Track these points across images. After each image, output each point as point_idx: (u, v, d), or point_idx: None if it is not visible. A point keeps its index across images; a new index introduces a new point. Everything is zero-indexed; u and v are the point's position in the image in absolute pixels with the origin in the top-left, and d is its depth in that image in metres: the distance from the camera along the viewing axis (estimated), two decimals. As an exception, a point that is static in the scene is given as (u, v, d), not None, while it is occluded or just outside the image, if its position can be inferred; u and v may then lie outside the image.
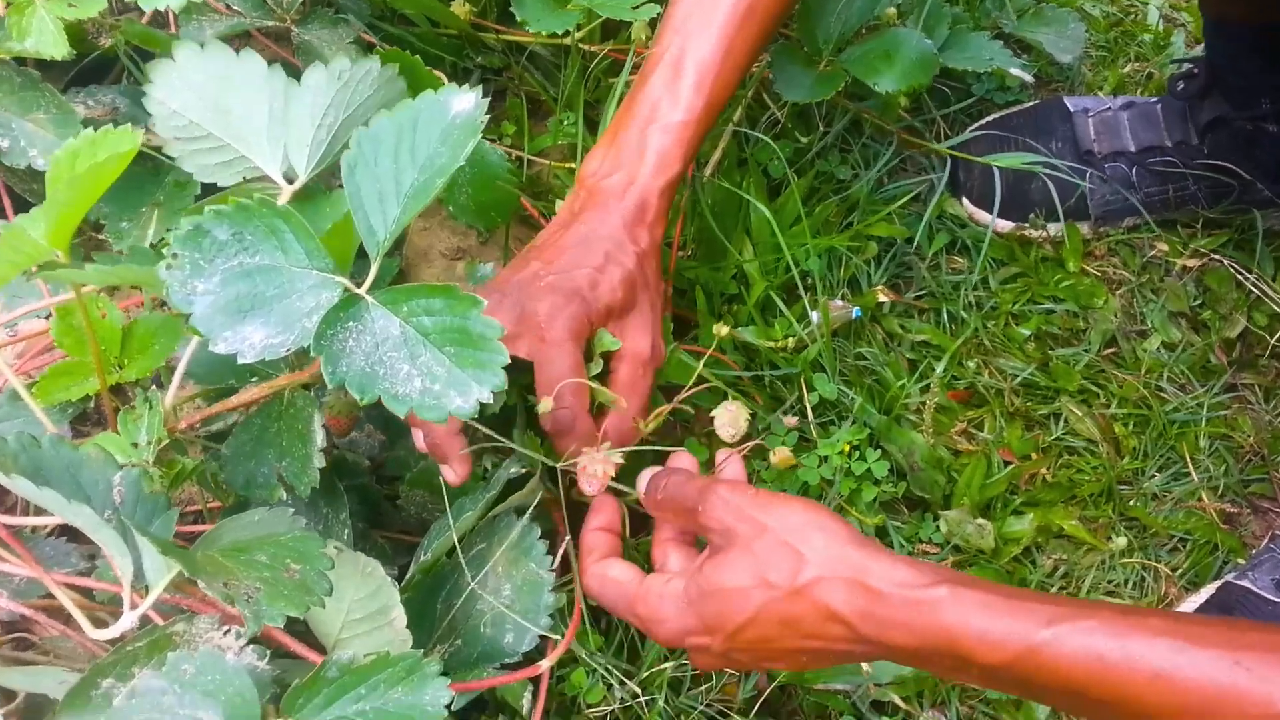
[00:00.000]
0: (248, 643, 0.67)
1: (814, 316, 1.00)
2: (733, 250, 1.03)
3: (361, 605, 0.69)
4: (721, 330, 0.83)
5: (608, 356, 0.81)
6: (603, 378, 0.80)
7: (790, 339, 0.99)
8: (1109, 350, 1.14)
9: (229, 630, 0.67)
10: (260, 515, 0.68)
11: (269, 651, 0.67)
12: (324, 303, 0.61)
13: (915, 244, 1.14)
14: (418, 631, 0.74)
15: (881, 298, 1.05)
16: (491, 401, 0.59)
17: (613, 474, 0.76)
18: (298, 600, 0.58)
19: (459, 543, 0.75)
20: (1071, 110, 1.19)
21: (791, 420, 0.89)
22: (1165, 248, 1.20)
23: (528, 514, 0.77)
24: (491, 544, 0.77)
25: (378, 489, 0.88)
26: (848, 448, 0.97)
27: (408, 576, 0.75)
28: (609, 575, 0.72)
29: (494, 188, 0.94)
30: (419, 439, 0.78)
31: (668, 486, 0.73)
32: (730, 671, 0.88)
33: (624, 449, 0.77)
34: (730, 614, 0.66)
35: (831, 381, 0.98)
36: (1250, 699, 0.53)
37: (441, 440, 0.75)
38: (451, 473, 0.76)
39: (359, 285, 0.62)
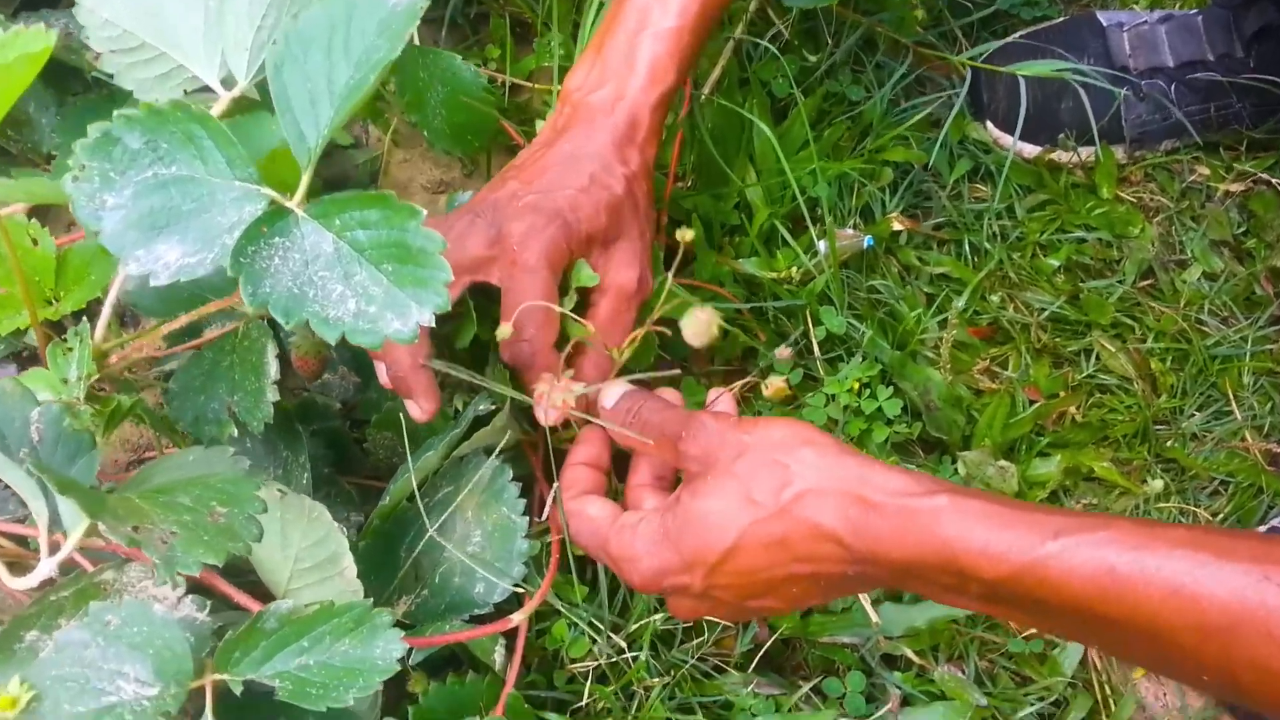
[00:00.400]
0: (186, 592, 0.62)
1: (821, 246, 0.92)
2: (735, 177, 0.95)
3: (310, 553, 0.63)
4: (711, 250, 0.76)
5: (584, 292, 0.74)
6: (580, 312, 0.73)
7: (795, 270, 0.91)
8: (1145, 282, 1.05)
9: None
10: (196, 455, 0.62)
11: (209, 602, 0.62)
12: (247, 217, 0.55)
13: (931, 170, 1.06)
14: (378, 582, 0.68)
15: (897, 226, 0.97)
16: (433, 324, 0.53)
17: (572, 404, 0.69)
18: (218, 546, 0.53)
19: (420, 487, 0.69)
20: (1105, 24, 1.10)
21: (786, 352, 0.82)
22: (1206, 171, 1.10)
23: (495, 453, 0.71)
24: (459, 487, 0.71)
25: (347, 432, 0.82)
26: (857, 385, 0.90)
27: (366, 522, 0.70)
28: (585, 512, 0.66)
29: (469, 108, 0.87)
30: (382, 373, 0.72)
31: (643, 410, 0.66)
32: (725, 624, 0.82)
33: (589, 383, 0.70)
34: (711, 542, 0.60)
35: (840, 314, 0.91)
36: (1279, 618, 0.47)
37: (406, 373, 0.69)
38: (417, 408, 0.70)
39: (290, 199, 0.56)
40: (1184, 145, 1.10)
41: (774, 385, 0.70)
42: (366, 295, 0.54)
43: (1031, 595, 0.52)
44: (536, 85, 1.00)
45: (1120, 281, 1.04)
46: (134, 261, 0.54)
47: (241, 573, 0.67)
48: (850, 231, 0.94)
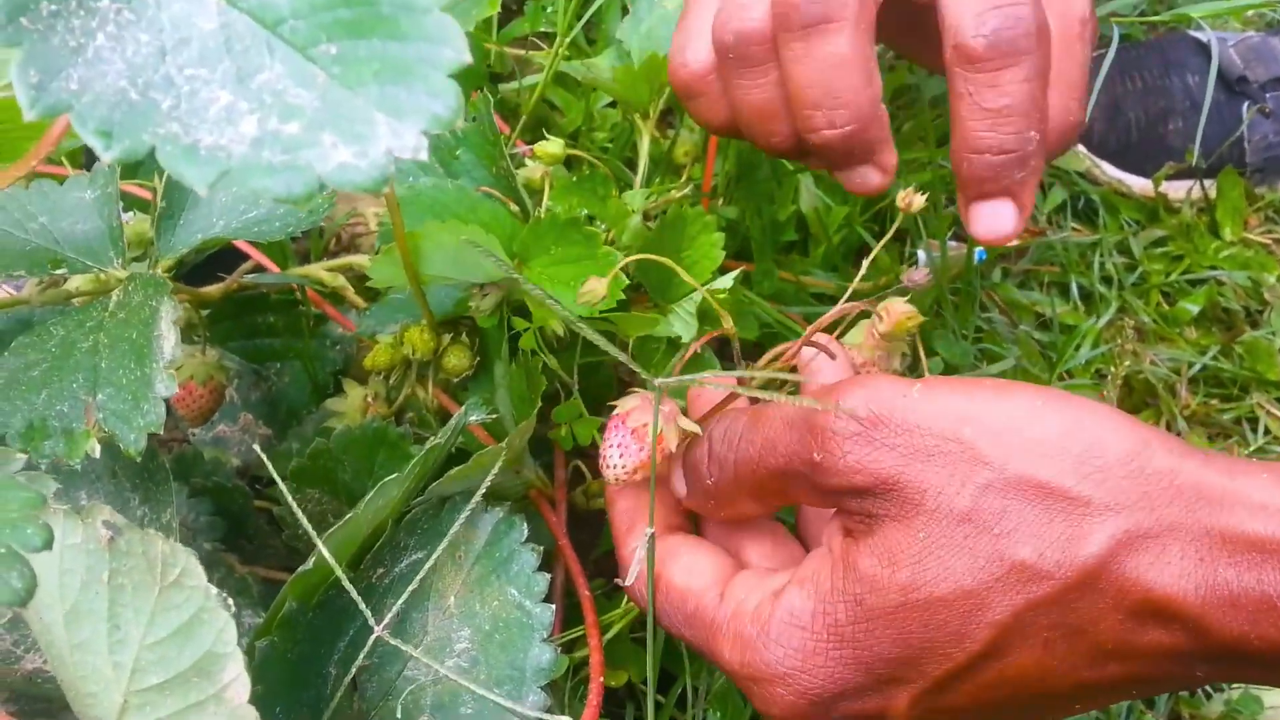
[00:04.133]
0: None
1: (921, 257, 0.67)
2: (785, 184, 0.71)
3: (161, 654, 0.33)
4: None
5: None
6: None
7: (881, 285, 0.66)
8: (1298, 338, 0.82)
9: None
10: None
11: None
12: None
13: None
14: (285, 717, 0.38)
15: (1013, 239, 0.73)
16: (423, 154, 0.26)
17: (675, 447, 0.40)
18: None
19: (371, 547, 0.40)
20: (1204, 41, 0.91)
21: (921, 274, 0.55)
22: (1343, 211, 0.90)
23: (478, 495, 0.42)
24: (433, 549, 0.41)
25: (247, 493, 0.53)
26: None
27: (271, 609, 0.40)
28: (667, 579, 0.37)
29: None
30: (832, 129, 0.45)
31: (734, 454, 0.38)
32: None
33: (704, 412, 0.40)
34: (938, 646, 0.32)
35: (959, 340, 0.65)
36: None
37: (868, 119, 0.44)
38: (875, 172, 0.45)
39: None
40: (1307, 183, 0.90)
41: (895, 311, 0.43)
42: (282, 106, 0.27)
43: None
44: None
45: (1272, 334, 0.81)
46: None
47: (29, 698, 0.36)
48: (953, 243, 0.70)
